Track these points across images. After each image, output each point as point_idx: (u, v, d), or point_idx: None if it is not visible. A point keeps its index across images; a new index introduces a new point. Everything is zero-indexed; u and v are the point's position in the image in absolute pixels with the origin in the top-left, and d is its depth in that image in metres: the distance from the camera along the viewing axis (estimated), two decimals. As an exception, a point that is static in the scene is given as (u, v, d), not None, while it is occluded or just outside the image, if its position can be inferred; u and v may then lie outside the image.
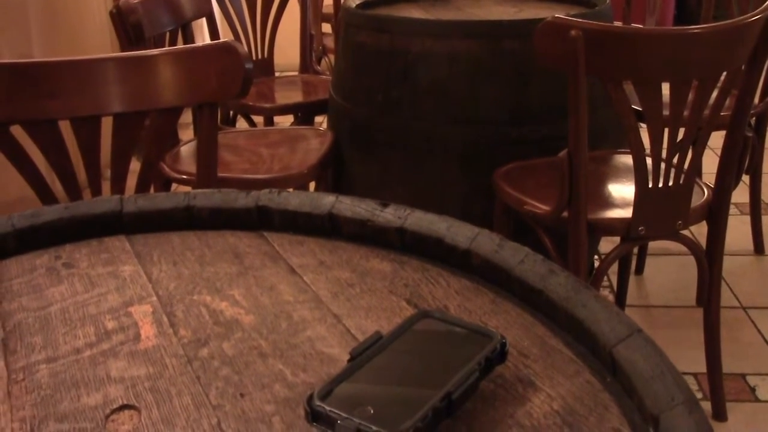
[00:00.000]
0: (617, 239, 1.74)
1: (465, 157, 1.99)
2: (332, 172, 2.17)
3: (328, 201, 0.85)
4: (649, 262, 2.52)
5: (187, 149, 2.07)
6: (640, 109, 1.54)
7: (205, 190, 0.88)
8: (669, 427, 0.49)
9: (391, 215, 0.81)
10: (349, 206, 0.83)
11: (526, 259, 0.71)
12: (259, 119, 2.81)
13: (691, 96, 1.55)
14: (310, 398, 0.52)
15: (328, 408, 0.51)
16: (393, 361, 0.57)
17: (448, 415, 0.53)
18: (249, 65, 1.28)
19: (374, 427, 0.49)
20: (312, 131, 2.31)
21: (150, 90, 1.27)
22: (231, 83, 1.28)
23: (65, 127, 1.23)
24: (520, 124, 1.96)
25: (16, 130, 1.22)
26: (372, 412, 0.51)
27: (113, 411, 0.56)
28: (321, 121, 3.02)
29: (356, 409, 0.51)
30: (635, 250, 2.43)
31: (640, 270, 2.48)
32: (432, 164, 2.01)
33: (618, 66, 1.49)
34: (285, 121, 2.84)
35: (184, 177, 1.85)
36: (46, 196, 1.27)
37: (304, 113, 2.70)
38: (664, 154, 1.59)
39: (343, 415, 0.51)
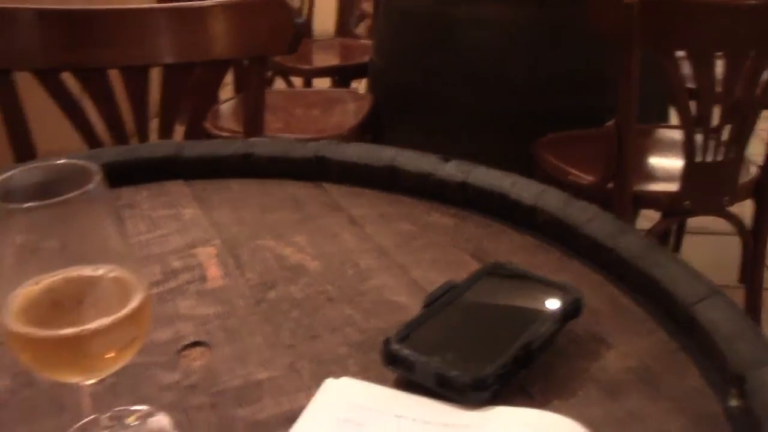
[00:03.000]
0: (654, 218, 1.71)
1: (502, 126, 1.96)
2: (369, 137, 2.15)
3: (388, 154, 0.83)
4: (687, 240, 2.48)
5: (227, 107, 2.06)
6: (689, 86, 1.51)
7: (264, 139, 0.87)
8: (758, 386, 0.48)
9: (453, 170, 0.80)
10: (411, 159, 0.82)
11: (596, 217, 0.70)
12: (296, 81, 2.80)
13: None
14: (388, 341, 0.52)
15: (406, 351, 0.50)
16: (468, 310, 0.56)
17: (526, 366, 0.52)
18: (300, 20, 1.26)
19: (454, 372, 0.49)
20: (350, 94, 2.29)
21: (201, 41, 1.26)
22: (281, 38, 1.27)
23: (113, 77, 1.23)
24: (563, 95, 1.93)
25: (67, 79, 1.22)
26: (450, 357, 0.50)
27: (185, 347, 0.56)
28: (356, 86, 3.00)
29: (435, 354, 0.50)
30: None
31: (676, 248, 2.45)
32: (469, 131, 1.99)
33: (673, 35, 1.46)
34: (322, 84, 2.82)
35: (226, 134, 1.85)
36: (94, 145, 1.27)
37: (341, 76, 2.67)
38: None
39: (422, 359, 0.50)
